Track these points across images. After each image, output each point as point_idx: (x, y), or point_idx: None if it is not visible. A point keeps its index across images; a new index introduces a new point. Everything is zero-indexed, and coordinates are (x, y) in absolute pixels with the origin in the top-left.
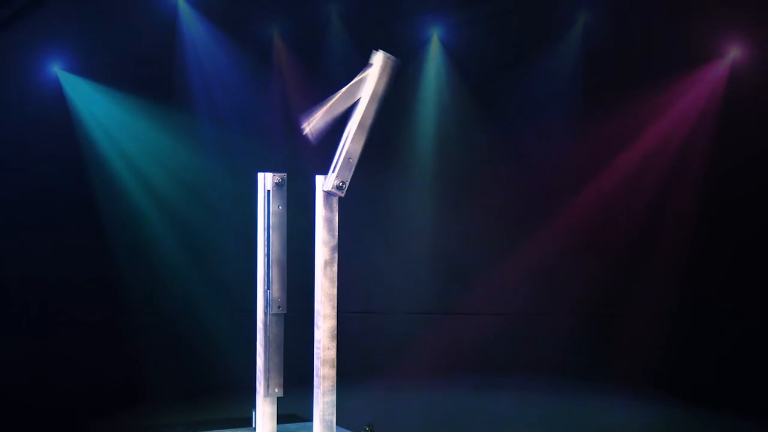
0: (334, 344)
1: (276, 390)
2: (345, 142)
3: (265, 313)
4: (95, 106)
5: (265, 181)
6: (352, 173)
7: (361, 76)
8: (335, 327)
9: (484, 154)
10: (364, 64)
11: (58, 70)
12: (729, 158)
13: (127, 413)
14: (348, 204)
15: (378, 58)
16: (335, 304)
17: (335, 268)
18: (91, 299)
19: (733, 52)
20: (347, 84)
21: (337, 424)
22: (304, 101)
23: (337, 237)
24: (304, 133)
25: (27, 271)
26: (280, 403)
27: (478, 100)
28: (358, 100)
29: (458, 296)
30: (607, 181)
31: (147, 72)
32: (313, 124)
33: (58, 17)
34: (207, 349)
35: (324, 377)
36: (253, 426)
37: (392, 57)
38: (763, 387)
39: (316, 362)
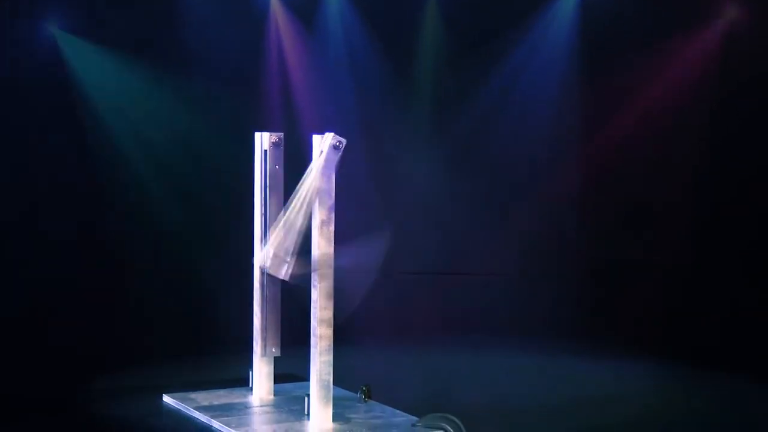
0: (331, 303)
1: (273, 349)
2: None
3: (262, 273)
4: (92, 66)
5: (262, 140)
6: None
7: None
8: (332, 286)
9: (481, 115)
10: (360, 22)
11: (55, 30)
12: (727, 118)
13: (124, 373)
14: (345, 164)
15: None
16: (332, 264)
17: (332, 228)
18: (87, 259)
19: (731, 12)
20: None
21: (333, 383)
22: (301, 61)
23: (333, 197)
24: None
25: (26, 231)
26: (277, 362)
27: (476, 61)
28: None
29: (455, 257)
30: (607, 141)
31: (143, 31)
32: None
33: None
34: (204, 308)
35: (321, 337)
36: (250, 385)
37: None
38: None
39: (313, 322)
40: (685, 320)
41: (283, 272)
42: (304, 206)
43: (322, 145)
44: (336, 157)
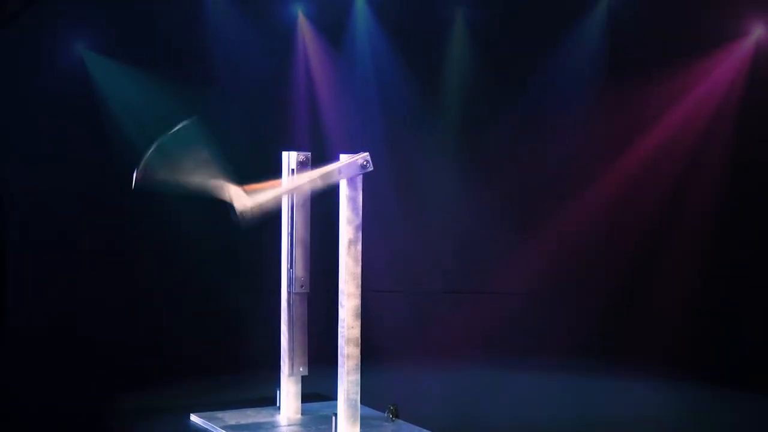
0: (359, 323)
1: (301, 369)
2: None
3: (289, 293)
4: (119, 85)
5: (290, 159)
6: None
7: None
8: (359, 306)
9: (507, 134)
10: (388, 42)
11: (82, 49)
12: (754, 138)
13: (151, 393)
14: (372, 183)
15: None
16: (359, 283)
17: (359, 247)
18: (114, 280)
19: (758, 31)
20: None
21: (361, 403)
22: (328, 79)
23: (361, 216)
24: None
25: (53, 247)
26: (305, 382)
27: (502, 79)
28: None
29: (481, 275)
30: (631, 161)
31: (172, 51)
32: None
33: None
34: (231, 328)
35: (348, 356)
36: (278, 405)
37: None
38: None
39: (341, 341)
40: (708, 340)
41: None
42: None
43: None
44: (359, 172)
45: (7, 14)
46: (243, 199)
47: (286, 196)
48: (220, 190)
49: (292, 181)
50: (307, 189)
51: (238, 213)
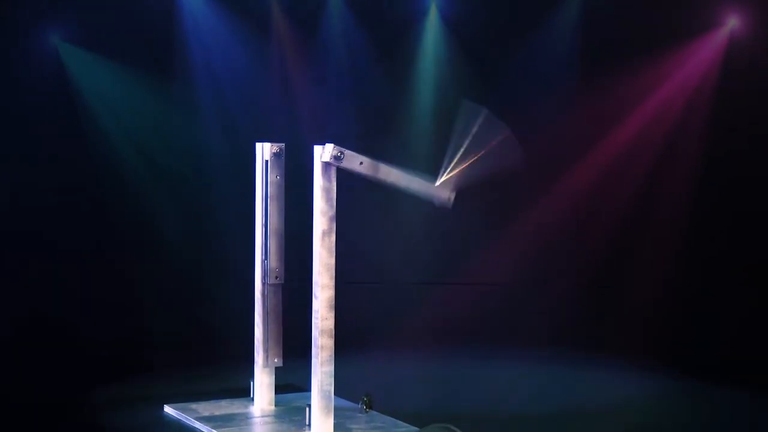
0: (332, 314)
1: (275, 360)
2: None
3: (263, 284)
4: (94, 78)
5: (263, 151)
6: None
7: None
8: (333, 297)
9: None
10: (362, 32)
11: (57, 41)
12: (728, 128)
13: (125, 384)
14: (346, 174)
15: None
16: (333, 274)
17: (333, 238)
18: (88, 270)
19: (732, 22)
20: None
21: (335, 394)
22: (303, 71)
23: (335, 207)
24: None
25: (26, 242)
26: (278, 373)
27: (477, 70)
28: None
29: (456, 266)
30: (606, 150)
31: (146, 42)
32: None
33: None
34: (205, 319)
35: (322, 347)
36: (252, 396)
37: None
38: (765, 358)
39: (315, 332)
40: (686, 330)
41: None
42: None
43: (323, 156)
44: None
45: None
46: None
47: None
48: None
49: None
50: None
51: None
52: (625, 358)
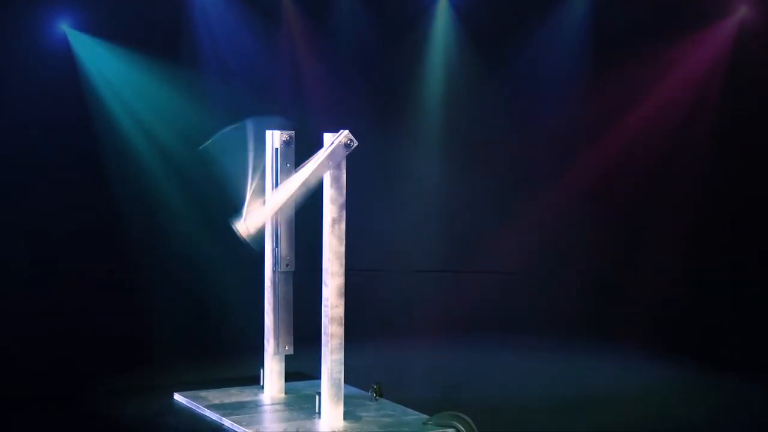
0: (342, 302)
1: (286, 347)
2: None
3: (274, 271)
4: (103, 64)
5: (273, 139)
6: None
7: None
8: (343, 285)
9: (492, 114)
10: (372, 19)
11: (66, 28)
12: (737, 117)
13: (135, 372)
14: (356, 162)
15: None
16: (343, 262)
17: (343, 226)
18: (97, 257)
19: (743, 10)
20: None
21: (345, 382)
22: (312, 59)
23: (345, 195)
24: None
25: (33, 229)
26: (288, 361)
27: (486, 58)
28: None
29: (466, 255)
30: (616, 139)
31: (155, 30)
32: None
33: None
34: (215, 307)
35: (332, 335)
36: (262, 384)
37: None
38: None
39: (324, 320)
40: (694, 320)
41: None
42: (294, 188)
43: (334, 140)
44: (343, 153)
45: None
46: (241, 224)
47: (285, 205)
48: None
49: (282, 192)
50: (303, 192)
51: (241, 237)
52: (633, 347)
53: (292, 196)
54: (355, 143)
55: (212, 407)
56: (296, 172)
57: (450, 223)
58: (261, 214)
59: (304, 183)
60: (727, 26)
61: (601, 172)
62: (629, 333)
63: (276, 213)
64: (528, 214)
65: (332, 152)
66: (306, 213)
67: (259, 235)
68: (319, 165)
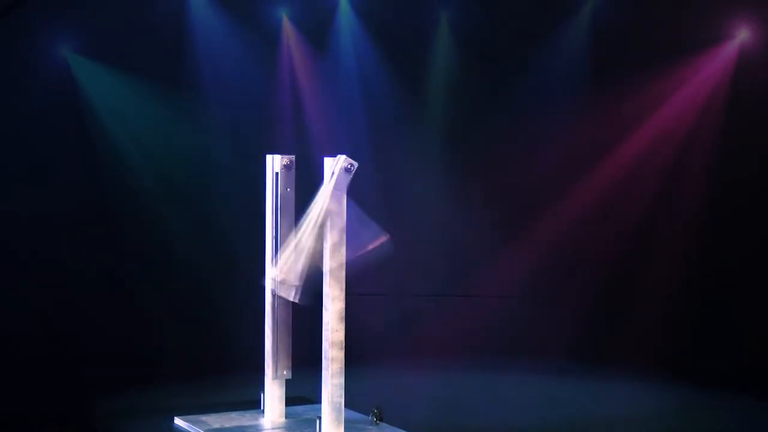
0: (343, 326)
1: (285, 372)
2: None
3: (273, 295)
4: (104, 89)
5: (274, 163)
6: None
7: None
8: (343, 309)
9: (492, 138)
10: (372, 44)
11: (67, 53)
12: (739, 140)
13: (134, 395)
14: (357, 185)
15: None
16: (344, 286)
17: (344, 250)
18: (99, 280)
19: (743, 33)
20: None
21: (345, 406)
22: (312, 83)
23: (345, 219)
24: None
25: (36, 249)
26: (289, 385)
27: (487, 81)
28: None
29: (467, 278)
30: (617, 163)
31: (156, 54)
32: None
33: None
34: (215, 331)
35: (332, 359)
36: (262, 408)
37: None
38: None
39: (325, 344)
40: (695, 342)
41: (293, 295)
42: (316, 228)
43: (334, 167)
44: (347, 179)
45: None
46: (282, 285)
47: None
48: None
49: (306, 237)
50: (321, 224)
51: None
52: (635, 370)
53: (315, 237)
54: (355, 165)
55: (212, 431)
56: (308, 213)
57: (450, 246)
58: (296, 266)
59: (321, 220)
60: (727, 49)
61: (602, 195)
62: (630, 356)
63: (307, 259)
64: (528, 238)
65: (337, 182)
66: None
67: (302, 286)
68: (329, 200)
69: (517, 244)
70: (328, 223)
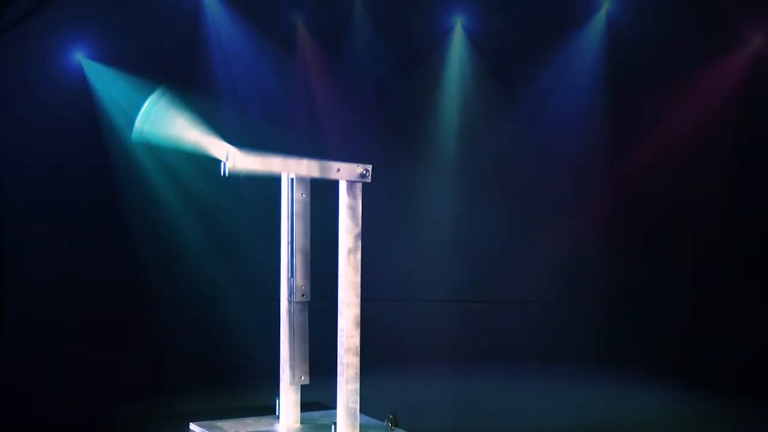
0: (358, 332)
1: (302, 377)
2: None
3: (289, 301)
4: (118, 94)
5: None
6: None
7: None
8: (359, 315)
9: (507, 142)
10: (387, 50)
11: (81, 58)
12: (753, 146)
13: (152, 401)
14: (372, 191)
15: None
16: (359, 292)
17: (359, 256)
18: (115, 288)
19: (757, 40)
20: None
21: (360, 411)
22: (327, 89)
23: (360, 225)
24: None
25: (52, 259)
26: (304, 390)
27: (501, 87)
28: None
29: (481, 284)
30: (631, 169)
31: (171, 59)
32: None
33: (81, 4)
34: (231, 337)
35: (348, 365)
36: (277, 414)
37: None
38: None
39: (340, 350)
40: (711, 349)
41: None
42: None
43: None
44: (361, 184)
45: (7, 23)
46: (237, 158)
47: (279, 169)
48: (213, 146)
49: (289, 161)
50: (303, 172)
51: (227, 169)
52: (652, 376)
53: (290, 164)
54: (369, 179)
55: None
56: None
57: (465, 252)
58: (257, 160)
59: (308, 165)
60: (742, 55)
61: (617, 201)
62: (646, 362)
63: (266, 166)
64: (543, 242)
65: (347, 167)
66: (322, 243)
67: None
68: (330, 165)
69: (532, 250)
70: (344, 227)
